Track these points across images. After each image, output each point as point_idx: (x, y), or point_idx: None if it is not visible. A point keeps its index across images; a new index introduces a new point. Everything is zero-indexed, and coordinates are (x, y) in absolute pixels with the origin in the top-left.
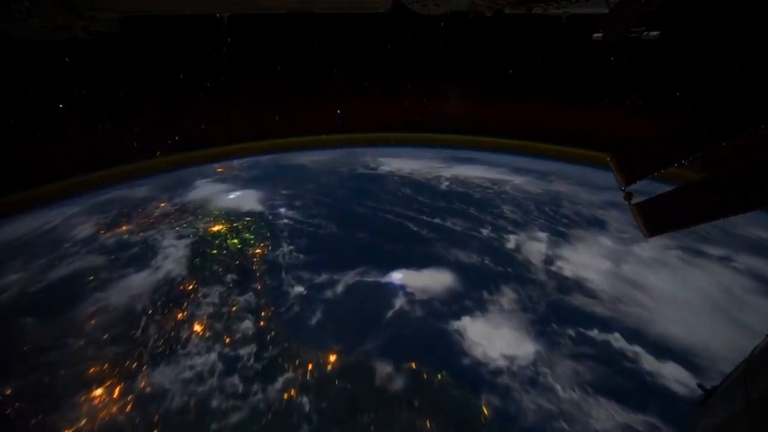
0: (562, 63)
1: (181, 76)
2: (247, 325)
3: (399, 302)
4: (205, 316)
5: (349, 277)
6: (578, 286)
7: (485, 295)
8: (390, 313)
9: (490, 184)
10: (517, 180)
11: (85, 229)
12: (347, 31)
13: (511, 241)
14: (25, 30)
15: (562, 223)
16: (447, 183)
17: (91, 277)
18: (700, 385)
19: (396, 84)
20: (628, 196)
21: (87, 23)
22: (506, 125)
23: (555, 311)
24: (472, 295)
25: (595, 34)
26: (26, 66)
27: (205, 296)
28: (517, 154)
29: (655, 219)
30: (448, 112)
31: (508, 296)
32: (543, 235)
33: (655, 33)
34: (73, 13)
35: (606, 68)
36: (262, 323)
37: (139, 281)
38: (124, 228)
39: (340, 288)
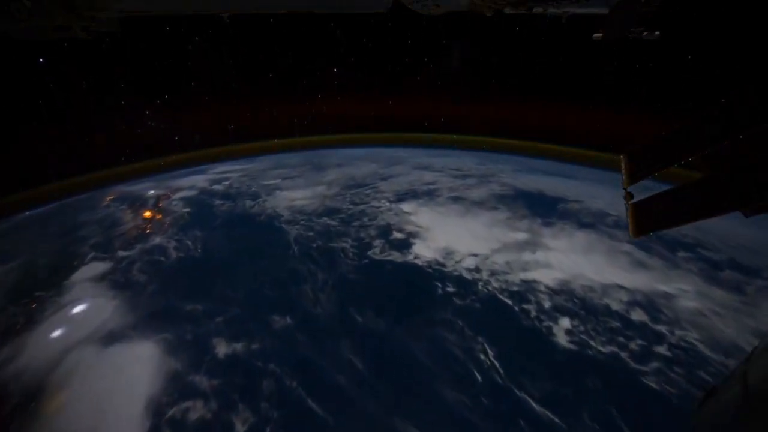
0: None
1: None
2: None
3: None
4: None
5: None
6: None
7: None
8: None
9: (649, 319)
10: (689, 298)
11: None
12: (347, 30)
13: None
14: (25, 30)
15: None
16: (566, 321)
17: None
18: (702, 388)
19: (400, 83)
20: (628, 196)
21: (87, 23)
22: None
23: None
24: None
25: (595, 34)
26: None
27: None
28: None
29: (646, 218)
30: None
31: None
32: None
33: (654, 33)
34: (73, 13)
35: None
36: None
37: None
38: None
39: None
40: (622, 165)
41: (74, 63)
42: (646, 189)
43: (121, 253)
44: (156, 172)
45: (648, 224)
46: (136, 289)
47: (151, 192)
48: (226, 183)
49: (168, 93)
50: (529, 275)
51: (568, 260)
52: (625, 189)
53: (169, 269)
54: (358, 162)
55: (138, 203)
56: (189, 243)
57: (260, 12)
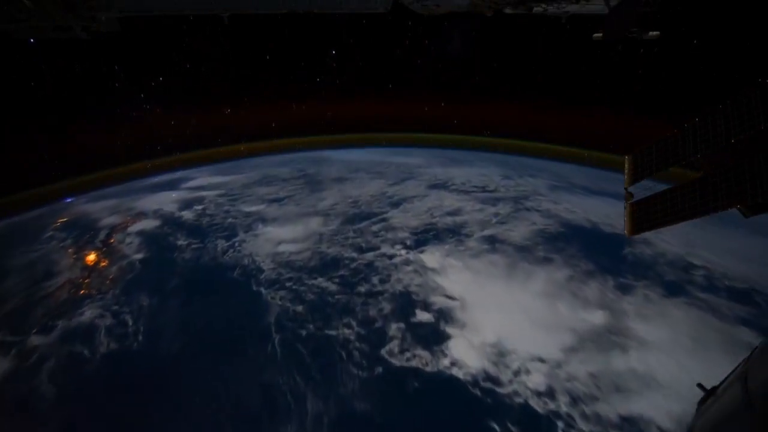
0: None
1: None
2: None
3: None
4: None
5: None
6: None
7: None
8: None
9: None
10: None
11: None
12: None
13: None
14: (25, 30)
15: None
16: None
17: None
18: (699, 385)
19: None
20: (628, 195)
21: (87, 23)
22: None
23: None
24: None
25: (595, 34)
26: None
27: None
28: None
29: (645, 218)
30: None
31: None
32: None
33: (655, 33)
34: (73, 13)
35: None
36: None
37: None
38: None
39: None
40: (626, 166)
41: (46, 62)
42: (646, 189)
43: (35, 340)
44: (126, 179)
45: (646, 224)
46: (30, 425)
47: (107, 219)
48: (199, 207)
49: (152, 93)
50: (632, 406)
51: (678, 368)
52: (626, 189)
53: (89, 377)
54: (361, 175)
55: (86, 236)
56: (129, 320)
57: (260, 12)
